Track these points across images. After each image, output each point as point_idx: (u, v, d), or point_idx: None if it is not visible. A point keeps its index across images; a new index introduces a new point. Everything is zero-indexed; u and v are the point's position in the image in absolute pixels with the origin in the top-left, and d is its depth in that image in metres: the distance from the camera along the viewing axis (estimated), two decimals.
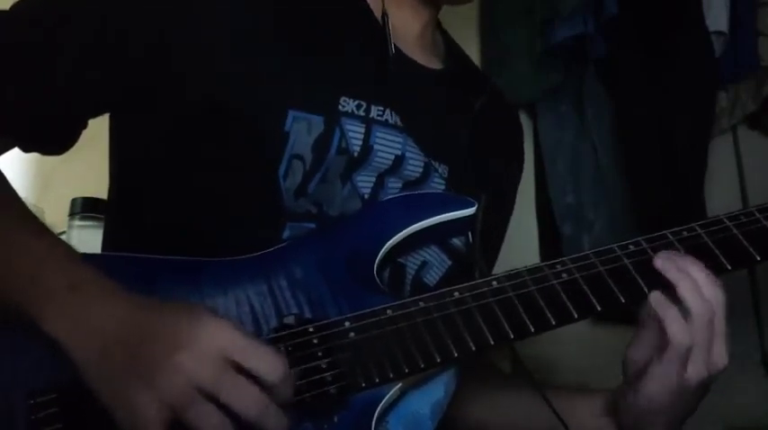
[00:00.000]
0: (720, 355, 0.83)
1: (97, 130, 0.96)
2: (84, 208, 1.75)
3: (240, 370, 0.69)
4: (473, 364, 1.01)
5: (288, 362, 0.72)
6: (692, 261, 0.84)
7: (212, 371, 0.68)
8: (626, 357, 0.88)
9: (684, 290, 0.83)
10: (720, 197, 1.93)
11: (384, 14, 0.97)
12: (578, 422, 0.94)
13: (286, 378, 0.71)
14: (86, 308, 0.74)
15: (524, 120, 2.05)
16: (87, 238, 1.70)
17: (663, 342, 0.83)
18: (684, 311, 0.83)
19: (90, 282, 0.75)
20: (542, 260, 0.87)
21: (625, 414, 0.90)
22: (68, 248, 0.81)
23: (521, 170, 1.20)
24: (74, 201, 1.78)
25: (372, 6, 0.99)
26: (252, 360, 0.70)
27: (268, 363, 0.70)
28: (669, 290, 0.83)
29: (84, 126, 0.93)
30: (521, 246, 1.93)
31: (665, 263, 0.84)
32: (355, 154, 0.91)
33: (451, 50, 1.11)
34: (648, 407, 0.86)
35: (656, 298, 0.83)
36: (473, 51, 2.01)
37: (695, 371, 0.83)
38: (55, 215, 1.88)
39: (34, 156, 0.95)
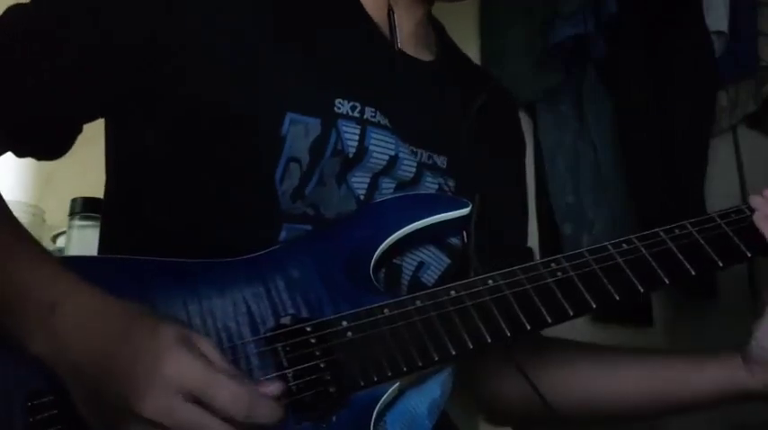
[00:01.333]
0: None
1: (97, 130, 0.96)
2: (85, 208, 1.75)
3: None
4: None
5: (253, 394, 0.71)
6: None
7: (180, 418, 0.67)
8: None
9: None
10: (720, 197, 1.93)
11: (390, 10, 0.97)
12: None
13: (252, 409, 0.70)
14: (63, 329, 0.74)
15: (524, 120, 2.05)
16: (87, 238, 1.70)
17: None
18: None
19: (69, 299, 0.75)
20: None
21: (756, 360, 0.93)
22: (49, 260, 0.80)
23: (523, 152, 1.21)
24: (74, 201, 1.78)
25: (366, 5, 0.99)
26: (212, 399, 0.68)
27: (228, 403, 0.69)
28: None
29: (80, 131, 0.92)
30: None
31: None
32: (350, 155, 0.91)
33: (443, 41, 1.11)
34: None
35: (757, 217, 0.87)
36: (473, 51, 2.01)
37: None
38: (55, 215, 1.88)
39: None
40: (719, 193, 1.95)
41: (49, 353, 0.73)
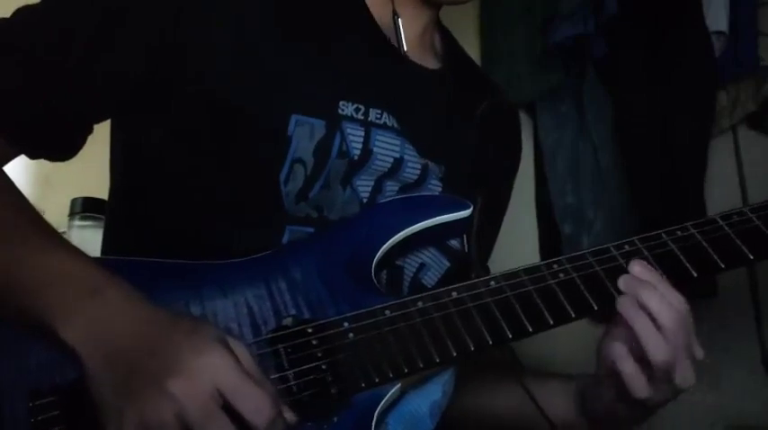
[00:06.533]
0: (684, 377, 0.82)
1: (97, 131, 0.96)
2: (85, 208, 1.75)
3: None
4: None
5: (278, 405, 0.71)
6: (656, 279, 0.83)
7: (199, 406, 0.67)
8: (599, 350, 0.87)
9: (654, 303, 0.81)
10: (720, 197, 1.93)
11: (394, 13, 0.97)
12: (553, 406, 0.93)
13: (272, 423, 0.70)
14: (106, 313, 0.74)
15: (524, 120, 2.05)
16: (87, 238, 1.70)
17: (635, 346, 0.82)
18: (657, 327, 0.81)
19: (110, 286, 0.75)
20: (542, 260, 0.87)
21: (592, 401, 0.91)
22: (85, 254, 0.81)
23: (517, 167, 1.20)
24: (74, 201, 1.78)
25: (372, 9, 0.99)
26: (240, 402, 0.69)
27: (254, 409, 0.69)
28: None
29: (90, 131, 0.93)
30: (521, 245, 1.93)
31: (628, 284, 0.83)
32: (355, 157, 0.91)
33: (451, 49, 1.11)
34: (609, 405, 0.87)
35: (624, 304, 0.83)
36: (473, 51, 2.01)
37: (660, 391, 0.82)
38: (55, 215, 1.88)
39: None
40: (719, 193, 1.95)
41: (84, 336, 0.73)
